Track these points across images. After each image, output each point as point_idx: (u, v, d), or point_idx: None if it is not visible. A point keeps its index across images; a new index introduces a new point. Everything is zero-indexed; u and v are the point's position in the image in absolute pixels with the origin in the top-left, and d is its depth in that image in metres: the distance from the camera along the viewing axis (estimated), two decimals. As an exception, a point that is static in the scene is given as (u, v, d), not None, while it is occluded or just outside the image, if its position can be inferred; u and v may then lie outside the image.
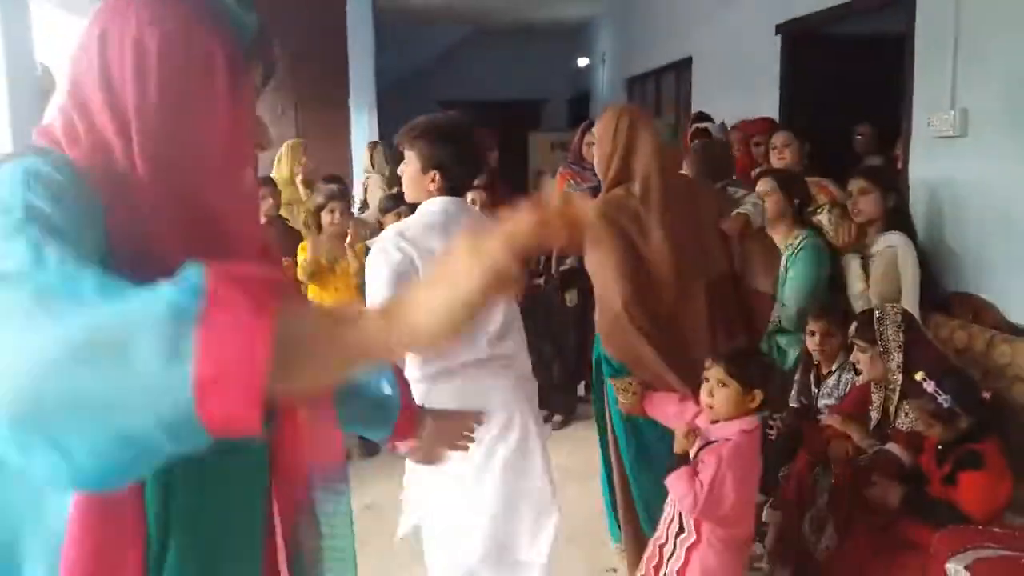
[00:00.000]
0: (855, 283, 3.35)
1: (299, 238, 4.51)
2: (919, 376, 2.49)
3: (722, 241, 2.77)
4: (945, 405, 2.40)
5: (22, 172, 0.83)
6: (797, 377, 3.34)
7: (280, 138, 5.79)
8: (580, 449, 4.26)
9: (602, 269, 2.65)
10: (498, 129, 4.86)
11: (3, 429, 0.62)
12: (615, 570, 3.19)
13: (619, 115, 2.74)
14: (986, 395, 2.48)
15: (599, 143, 2.80)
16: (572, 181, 4.96)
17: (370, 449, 4.29)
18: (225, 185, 0.97)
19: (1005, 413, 2.73)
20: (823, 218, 3.74)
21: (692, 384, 2.36)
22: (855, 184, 3.47)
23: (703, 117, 4.24)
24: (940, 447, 2.47)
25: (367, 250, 4.34)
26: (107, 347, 0.63)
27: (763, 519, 3.11)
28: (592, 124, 5.11)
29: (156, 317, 0.64)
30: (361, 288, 4.28)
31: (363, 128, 7.59)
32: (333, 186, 4.80)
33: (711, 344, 2.44)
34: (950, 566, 2.10)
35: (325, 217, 4.31)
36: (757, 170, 4.52)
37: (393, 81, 8.78)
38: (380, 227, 4.58)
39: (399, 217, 4.41)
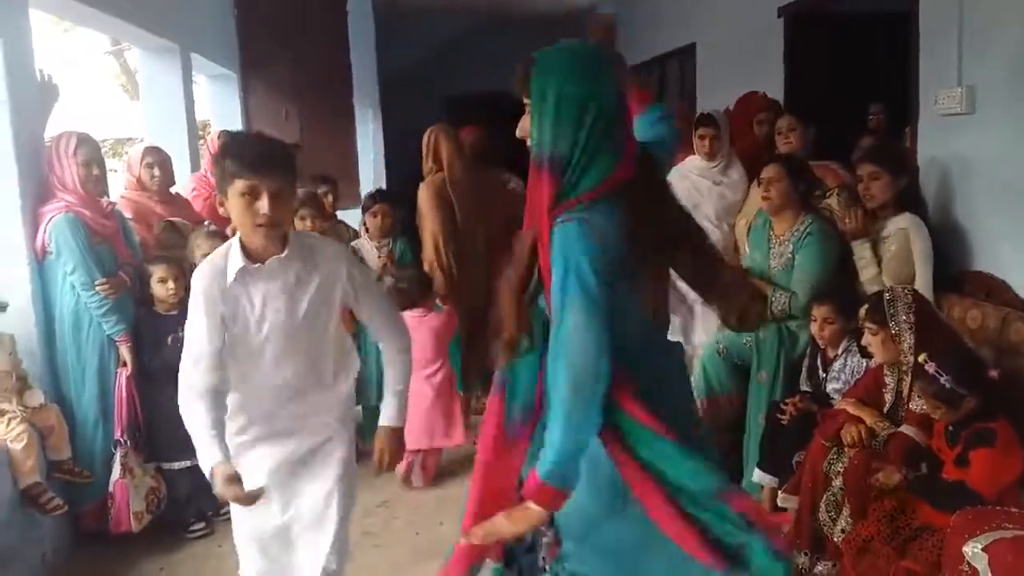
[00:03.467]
0: (868, 268, 3.31)
1: None
2: (921, 358, 2.47)
3: (504, 207, 4.28)
4: (947, 386, 2.38)
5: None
6: (806, 362, 3.32)
7: (283, 139, 5.79)
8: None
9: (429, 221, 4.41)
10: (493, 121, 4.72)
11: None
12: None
13: (432, 131, 4.57)
14: (993, 373, 2.45)
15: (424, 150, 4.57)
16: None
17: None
18: None
19: (1018, 390, 2.70)
20: (832, 202, 3.71)
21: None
22: (864, 168, 3.42)
23: (708, 118, 4.19)
24: (950, 428, 2.45)
25: (354, 251, 4.31)
26: None
27: (779, 504, 3.10)
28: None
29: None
30: None
31: (368, 126, 7.57)
32: (308, 190, 4.48)
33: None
34: (967, 548, 2.08)
35: (297, 224, 4.06)
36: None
37: (398, 76, 8.75)
38: (366, 229, 4.54)
39: (376, 217, 4.36)
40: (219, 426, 2.00)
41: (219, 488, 1.91)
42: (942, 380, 2.39)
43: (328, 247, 2.23)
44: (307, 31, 7.02)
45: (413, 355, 3.73)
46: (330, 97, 7.14)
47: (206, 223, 4.08)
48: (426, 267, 4.40)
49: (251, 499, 1.91)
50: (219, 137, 2.05)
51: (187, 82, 5.36)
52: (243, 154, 1.97)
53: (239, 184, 1.94)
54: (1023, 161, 3.14)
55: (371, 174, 7.49)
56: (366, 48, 7.49)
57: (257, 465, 2.18)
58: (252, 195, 1.94)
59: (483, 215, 4.43)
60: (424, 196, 4.43)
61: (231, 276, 2.02)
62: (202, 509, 3.56)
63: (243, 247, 2.03)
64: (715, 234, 4.04)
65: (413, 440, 3.97)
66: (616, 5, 9.16)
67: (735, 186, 4.18)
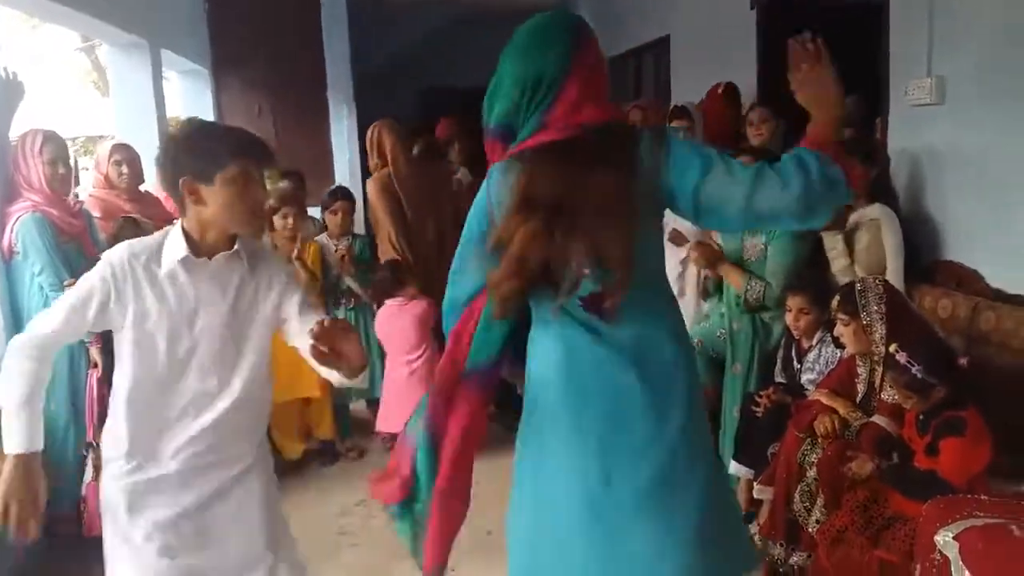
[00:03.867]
0: (839, 259, 3.33)
1: None
2: (892, 348, 2.49)
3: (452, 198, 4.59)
4: (918, 376, 2.40)
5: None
6: (780, 353, 3.33)
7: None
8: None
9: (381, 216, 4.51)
10: (469, 115, 4.74)
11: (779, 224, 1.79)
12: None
13: (375, 127, 4.61)
14: (962, 362, 2.47)
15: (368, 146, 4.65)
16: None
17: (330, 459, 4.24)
18: None
19: (988, 379, 2.73)
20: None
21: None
22: None
23: (682, 110, 4.20)
24: (921, 417, 2.47)
25: (321, 249, 4.28)
26: (808, 180, 1.66)
27: (754, 495, 3.12)
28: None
29: (811, 163, 1.68)
30: (322, 295, 4.22)
31: (343, 120, 7.52)
32: (286, 187, 4.51)
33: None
34: (939, 537, 2.10)
35: (278, 221, 4.11)
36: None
37: (372, 70, 8.70)
38: (324, 225, 4.49)
39: (336, 215, 4.32)
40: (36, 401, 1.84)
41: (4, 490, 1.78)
42: (913, 370, 2.40)
43: (267, 249, 2.07)
44: (280, 26, 6.96)
45: (396, 342, 3.70)
46: (304, 92, 7.09)
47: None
48: (381, 261, 4.42)
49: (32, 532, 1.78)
50: (189, 123, 1.88)
51: (157, 78, 5.30)
52: (232, 137, 1.84)
53: (232, 169, 1.77)
54: (992, 151, 3.17)
55: (346, 169, 7.45)
56: (340, 43, 7.42)
57: (157, 508, 1.88)
58: (245, 181, 1.79)
59: (432, 207, 4.49)
60: (373, 192, 4.45)
61: (167, 266, 1.82)
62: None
63: (187, 237, 1.84)
64: (687, 225, 4.04)
65: (395, 424, 4.06)
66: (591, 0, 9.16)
67: None
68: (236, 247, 1.88)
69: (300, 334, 1.87)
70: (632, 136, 1.71)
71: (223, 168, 1.77)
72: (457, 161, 4.83)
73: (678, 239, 4.06)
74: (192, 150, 1.80)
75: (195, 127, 1.86)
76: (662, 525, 1.72)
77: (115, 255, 1.83)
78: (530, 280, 1.72)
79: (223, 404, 1.89)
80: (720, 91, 4.75)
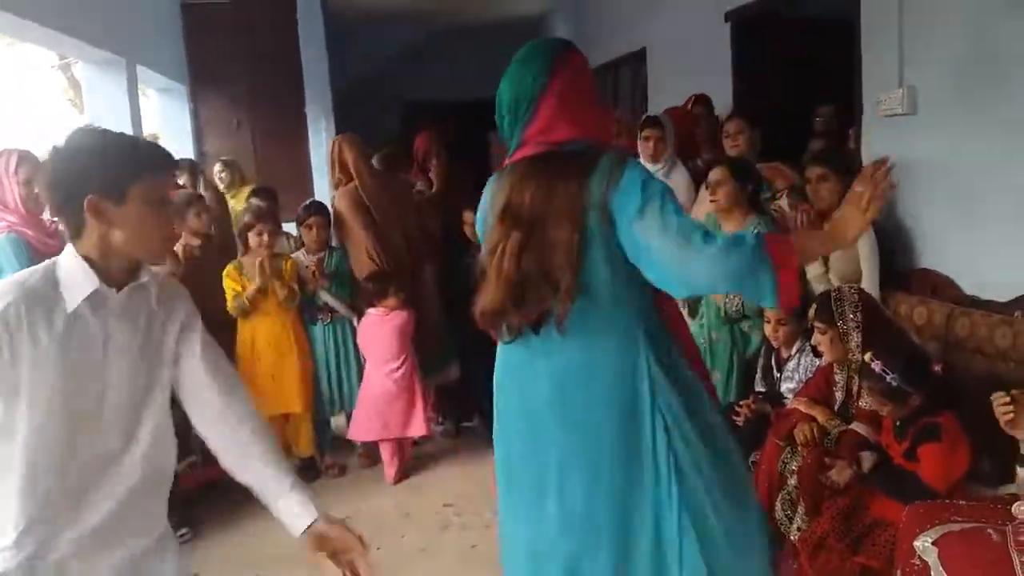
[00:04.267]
0: (813, 267, 3.37)
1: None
2: (867, 357, 2.51)
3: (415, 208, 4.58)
4: (893, 384, 2.43)
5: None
6: (760, 362, 3.36)
7: (235, 152, 5.73)
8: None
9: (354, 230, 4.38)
10: (451, 130, 4.80)
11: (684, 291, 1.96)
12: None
13: (336, 141, 4.51)
14: (937, 368, 2.50)
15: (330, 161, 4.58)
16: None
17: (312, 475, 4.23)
18: None
19: (964, 385, 2.76)
20: (782, 203, 3.76)
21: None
22: (813, 171, 3.48)
23: (653, 120, 4.25)
24: (898, 423, 2.50)
25: (295, 265, 4.26)
26: (735, 259, 1.65)
27: (736, 505, 3.13)
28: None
29: (751, 245, 1.66)
30: (301, 311, 4.21)
31: (321, 134, 7.52)
32: (261, 204, 4.50)
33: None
34: (918, 543, 2.12)
35: (252, 239, 4.08)
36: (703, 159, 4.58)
37: (350, 85, 8.71)
38: (300, 241, 4.46)
39: (311, 229, 4.29)
40: None
41: None
42: (888, 378, 2.43)
43: (166, 278, 1.78)
44: (257, 41, 6.97)
45: (378, 353, 3.60)
46: (282, 107, 7.10)
47: None
48: (358, 275, 4.40)
49: None
50: (93, 133, 1.57)
51: (133, 95, 5.29)
52: (148, 149, 1.60)
53: (150, 185, 1.53)
54: (964, 160, 3.21)
55: (325, 183, 7.44)
56: (318, 58, 7.44)
57: None
58: (162, 199, 1.57)
59: (399, 217, 4.48)
60: (344, 206, 4.43)
61: (75, 301, 1.50)
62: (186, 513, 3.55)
63: (92, 266, 1.53)
64: None
65: (376, 432, 4.15)
66: (569, 12, 9.23)
67: (679, 189, 4.21)
68: (144, 277, 1.60)
69: (197, 375, 1.68)
70: (593, 158, 1.80)
71: (140, 184, 1.52)
72: (435, 173, 4.84)
73: None
74: (104, 163, 1.51)
75: (105, 137, 1.55)
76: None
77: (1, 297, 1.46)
78: (513, 295, 1.82)
79: (131, 468, 1.60)
80: (688, 106, 4.83)
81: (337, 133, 7.90)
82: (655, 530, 1.82)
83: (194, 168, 5.26)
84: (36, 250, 3.28)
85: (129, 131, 5.12)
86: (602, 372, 1.85)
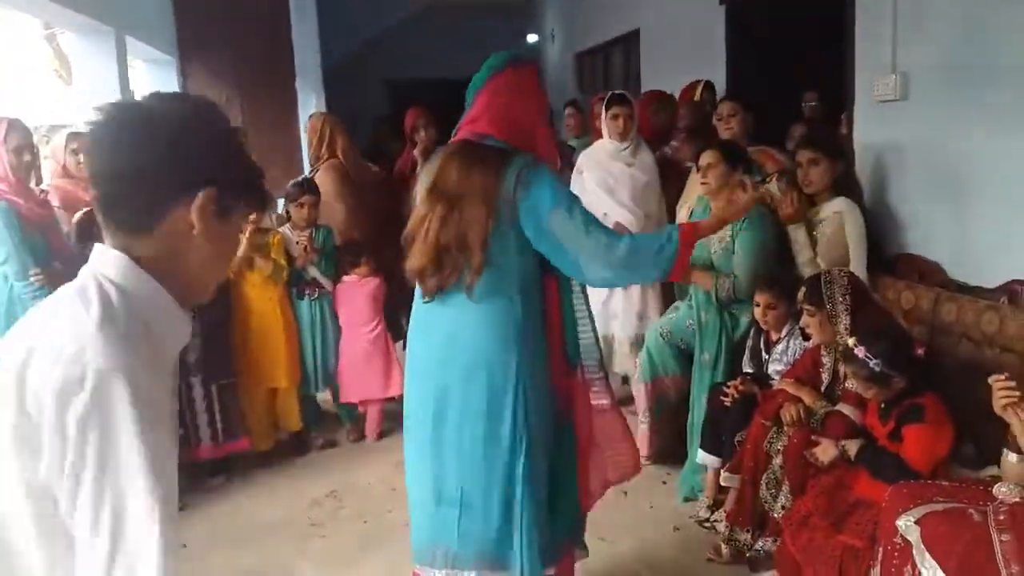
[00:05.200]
0: (803, 251, 3.39)
1: None
2: (851, 342, 2.54)
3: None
4: (877, 369, 2.46)
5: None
6: (749, 344, 3.38)
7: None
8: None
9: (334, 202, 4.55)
10: (436, 107, 4.83)
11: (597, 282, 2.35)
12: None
13: (324, 119, 4.76)
14: (920, 352, 2.53)
15: (310, 132, 4.77)
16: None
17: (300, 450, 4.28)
18: None
19: (948, 368, 2.80)
20: (771, 187, 3.77)
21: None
22: (803, 155, 3.49)
23: (620, 97, 4.25)
24: (883, 406, 2.53)
25: (283, 239, 4.24)
26: (643, 248, 2.21)
27: (721, 483, 3.17)
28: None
29: (662, 238, 2.23)
30: (288, 286, 4.22)
31: (311, 110, 7.46)
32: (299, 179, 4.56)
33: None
34: (900, 522, 2.15)
35: (294, 212, 4.24)
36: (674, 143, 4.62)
37: (341, 60, 8.65)
38: (287, 217, 4.46)
39: (303, 208, 4.26)
40: None
41: None
42: (872, 364, 2.46)
43: None
44: (248, 15, 6.89)
45: (354, 317, 4.03)
46: (272, 82, 7.04)
47: None
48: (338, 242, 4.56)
49: None
50: (199, 107, 1.13)
51: (122, 66, 5.23)
52: (259, 169, 1.24)
53: (248, 208, 1.22)
54: (954, 146, 3.24)
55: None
56: (309, 33, 7.38)
57: None
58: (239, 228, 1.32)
59: (374, 192, 4.87)
60: (331, 181, 4.59)
61: (173, 352, 1.18)
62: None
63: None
64: (630, 219, 4.09)
65: (356, 393, 4.41)
66: (561, -9, 9.19)
67: (646, 168, 4.22)
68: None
69: None
70: (509, 155, 2.17)
71: (247, 202, 1.20)
72: (419, 149, 4.87)
73: (623, 232, 4.08)
74: (228, 157, 1.17)
75: (230, 128, 1.21)
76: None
77: (133, 369, 1.02)
78: (436, 261, 2.19)
79: None
80: (698, 94, 4.82)
81: (327, 109, 7.87)
82: (507, 469, 2.22)
83: None
84: (27, 219, 3.27)
85: (117, 103, 5.08)
86: (486, 334, 2.22)
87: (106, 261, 1.10)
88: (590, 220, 2.17)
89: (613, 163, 4.19)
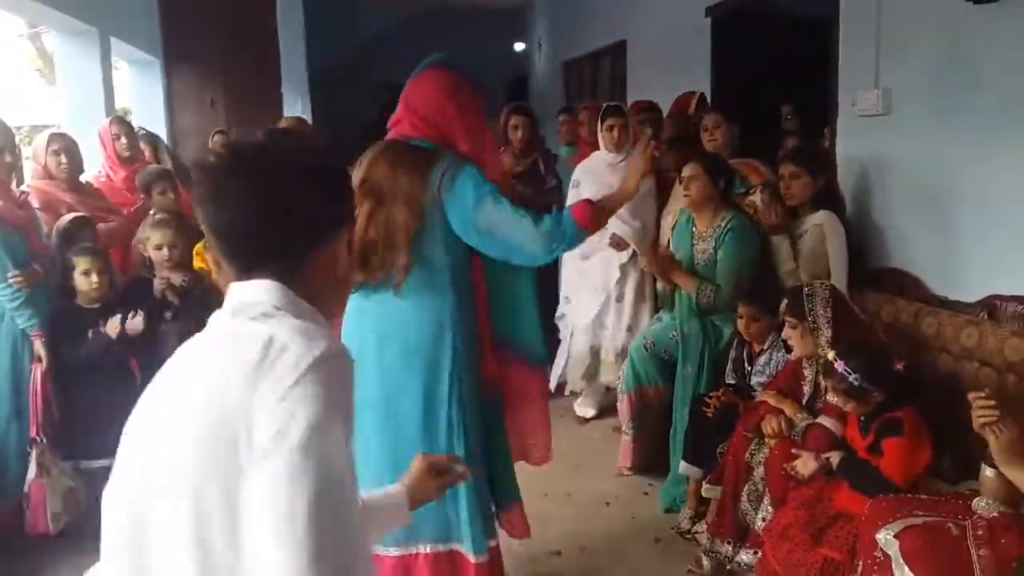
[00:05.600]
0: (785, 263, 3.41)
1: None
2: (830, 356, 2.56)
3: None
4: (855, 383, 2.47)
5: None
6: (731, 355, 3.40)
7: (209, 128, 5.65)
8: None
9: None
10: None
11: (525, 260, 2.34)
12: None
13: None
14: (899, 366, 2.54)
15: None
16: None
17: None
18: None
19: (927, 382, 2.81)
20: (755, 199, 3.80)
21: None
22: (786, 168, 3.52)
23: (615, 109, 4.26)
24: (862, 418, 2.55)
25: None
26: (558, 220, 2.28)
27: (703, 494, 3.18)
28: (517, 107, 5.12)
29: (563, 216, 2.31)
30: None
31: (296, 113, 7.45)
32: None
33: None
34: (880, 535, 2.16)
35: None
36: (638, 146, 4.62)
37: (327, 66, 8.63)
38: None
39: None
40: None
41: None
42: (850, 378, 2.48)
43: None
44: (234, 16, 6.86)
45: None
46: (258, 86, 7.01)
47: (152, 212, 3.98)
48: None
49: None
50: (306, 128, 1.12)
51: (106, 67, 5.19)
52: None
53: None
54: (936, 161, 3.27)
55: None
56: (295, 37, 7.37)
57: None
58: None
59: None
60: None
61: None
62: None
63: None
64: (626, 230, 4.10)
65: None
66: (548, 1, 9.21)
67: (643, 181, 4.22)
68: None
69: None
70: (434, 155, 2.27)
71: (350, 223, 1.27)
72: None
73: (619, 244, 4.10)
74: (345, 184, 1.28)
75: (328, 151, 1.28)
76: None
77: (340, 375, 1.10)
78: (362, 256, 2.26)
79: None
80: (691, 107, 4.83)
81: (313, 114, 7.85)
82: (448, 451, 2.27)
83: (157, 143, 5.17)
84: (5, 220, 3.23)
85: (101, 105, 5.05)
86: (417, 327, 2.31)
87: (267, 291, 1.13)
88: (514, 204, 2.28)
89: (610, 175, 4.19)
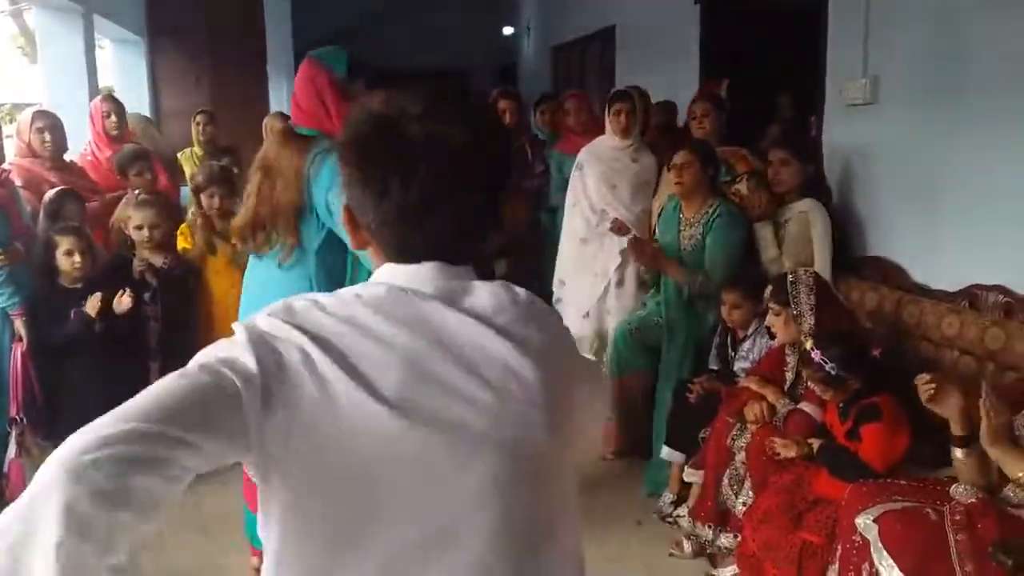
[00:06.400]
0: (768, 250, 3.43)
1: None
2: (808, 345, 2.58)
3: None
4: (832, 372, 2.49)
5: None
6: (715, 341, 3.41)
7: (194, 108, 5.59)
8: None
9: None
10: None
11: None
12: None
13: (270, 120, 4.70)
14: (876, 353, 2.56)
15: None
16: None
17: None
18: None
19: (908, 369, 2.83)
20: (741, 187, 3.80)
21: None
22: (775, 155, 3.53)
23: (623, 94, 4.24)
24: (841, 405, 2.57)
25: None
26: None
27: (685, 479, 3.20)
28: (504, 92, 5.09)
29: None
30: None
31: (282, 93, 7.39)
32: (214, 165, 4.22)
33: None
34: (859, 520, 2.18)
35: (204, 200, 3.90)
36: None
37: (313, 46, 8.56)
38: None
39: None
40: None
41: None
42: (827, 367, 2.50)
43: None
44: (220, -5, 6.78)
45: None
46: (243, 65, 6.93)
47: (135, 192, 3.95)
48: None
49: None
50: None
51: (89, 45, 5.13)
52: None
53: None
54: (922, 151, 3.28)
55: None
56: (282, 17, 7.30)
57: None
58: None
59: None
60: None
61: None
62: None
63: None
64: (628, 217, 4.10)
65: None
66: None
67: (649, 169, 4.22)
68: None
69: None
70: (310, 142, 2.42)
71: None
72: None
73: (621, 229, 4.10)
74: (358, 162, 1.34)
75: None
76: None
77: None
78: (252, 227, 2.49)
79: None
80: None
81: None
82: None
83: (147, 123, 5.13)
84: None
85: (85, 83, 4.99)
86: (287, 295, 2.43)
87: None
88: None
89: (616, 160, 4.18)
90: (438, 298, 0.96)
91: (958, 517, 2.06)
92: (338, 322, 0.92)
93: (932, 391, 2.17)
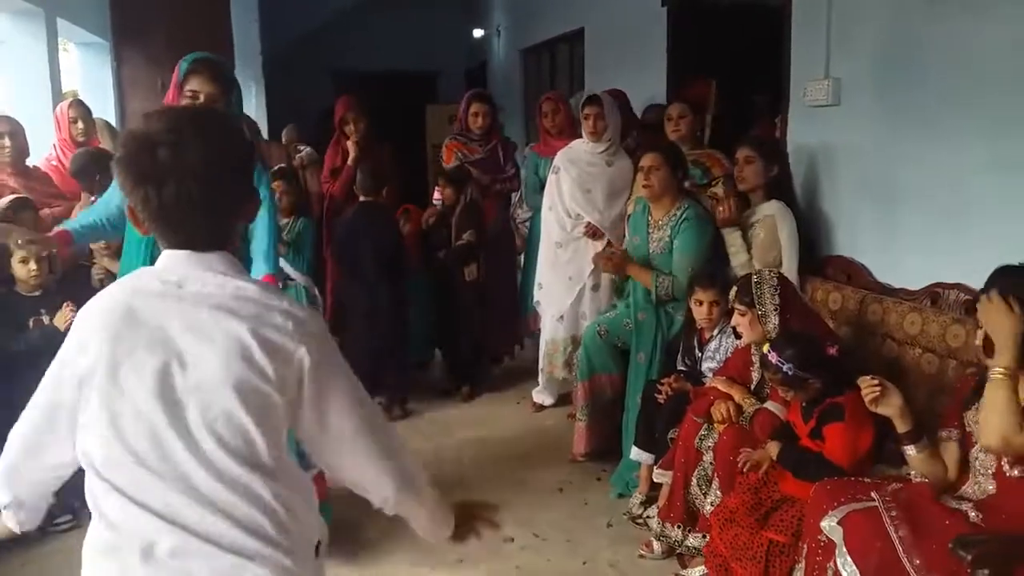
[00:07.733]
0: (738, 254, 3.45)
1: None
2: (765, 349, 2.60)
3: None
4: (789, 373, 2.52)
5: None
6: (683, 342, 3.43)
7: (160, 112, 5.50)
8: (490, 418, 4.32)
9: None
10: (384, 98, 4.80)
11: None
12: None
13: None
14: (832, 351, 2.58)
15: None
16: (459, 152, 4.96)
17: None
18: None
19: (872, 367, 2.86)
20: (717, 190, 3.83)
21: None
22: (741, 152, 3.57)
23: (594, 98, 4.26)
24: (804, 404, 2.59)
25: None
26: None
27: (654, 479, 3.21)
28: (477, 94, 5.10)
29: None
30: None
31: (251, 99, 7.32)
32: None
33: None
34: (824, 523, 2.20)
35: None
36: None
37: (280, 51, 8.49)
38: None
39: (279, 197, 4.19)
40: None
41: None
42: (784, 368, 2.52)
43: None
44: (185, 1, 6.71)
45: None
46: (210, 70, 6.84)
47: (92, 198, 3.90)
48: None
49: None
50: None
51: (52, 49, 5.05)
52: None
53: None
54: (882, 152, 3.32)
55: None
56: (249, 21, 7.23)
57: None
58: None
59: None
60: None
61: None
62: (68, 500, 3.37)
63: None
64: (601, 221, 4.12)
65: None
66: (508, -13, 9.15)
67: (624, 172, 4.24)
68: None
69: None
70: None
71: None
72: (354, 140, 4.82)
73: (595, 233, 4.12)
74: None
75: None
76: None
77: None
78: None
79: None
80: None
81: (267, 99, 7.73)
82: None
83: (114, 131, 5.06)
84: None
85: (48, 88, 4.91)
86: None
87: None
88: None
89: (592, 163, 4.21)
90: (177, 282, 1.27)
91: (895, 513, 2.09)
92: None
93: (876, 393, 2.22)
